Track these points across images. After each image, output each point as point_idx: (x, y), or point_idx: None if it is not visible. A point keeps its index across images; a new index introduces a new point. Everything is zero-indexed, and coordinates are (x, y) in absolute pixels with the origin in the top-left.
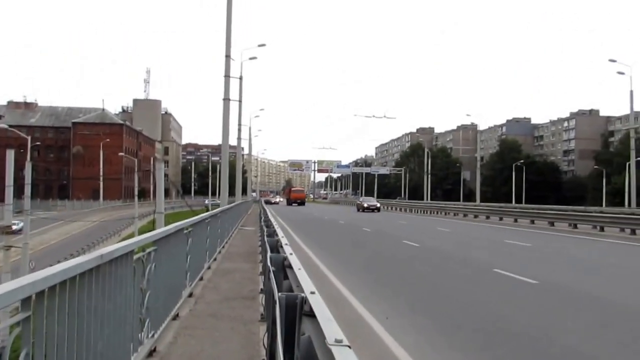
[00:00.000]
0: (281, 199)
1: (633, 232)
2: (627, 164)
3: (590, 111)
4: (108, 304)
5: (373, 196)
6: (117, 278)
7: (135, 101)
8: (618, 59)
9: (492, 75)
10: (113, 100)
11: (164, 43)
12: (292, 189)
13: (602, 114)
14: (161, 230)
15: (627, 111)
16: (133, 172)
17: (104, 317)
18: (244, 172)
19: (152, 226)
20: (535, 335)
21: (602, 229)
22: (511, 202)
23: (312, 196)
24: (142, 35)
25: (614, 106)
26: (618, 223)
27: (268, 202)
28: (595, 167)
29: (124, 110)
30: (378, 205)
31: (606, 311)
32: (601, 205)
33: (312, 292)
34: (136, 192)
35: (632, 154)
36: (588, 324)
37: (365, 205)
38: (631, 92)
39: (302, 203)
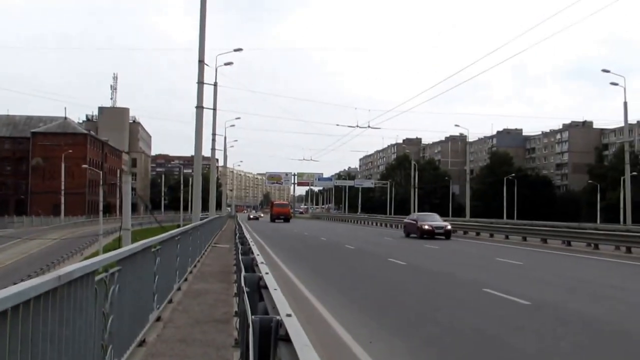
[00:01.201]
0: (262, 215)
1: (629, 250)
2: (622, 178)
3: (584, 123)
4: (66, 329)
5: (357, 210)
6: (77, 301)
7: (101, 109)
8: (612, 69)
9: (482, 85)
10: (76, 108)
11: (133, 47)
12: (275, 202)
13: (595, 125)
14: (126, 248)
15: (621, 123)
16: (98, 186)
17: (62, 344)
18: (219, 185)
19: (118, 244)
20: (526, 359)
21: (596, 247)
22: (502, 217)
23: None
24: (109, 39)
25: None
26: (613, 240)
27: (248, 218)
28: (589, 181)
29: (88, 119)
30: (448, 226)
31: (601, 333)
32: (596, 222)
33: (289, 315)
34: (101, 207)
35: (627, 168)
36: (582, 346)
37: (428, 227)
38: (625, 103)
39: (286, 219)
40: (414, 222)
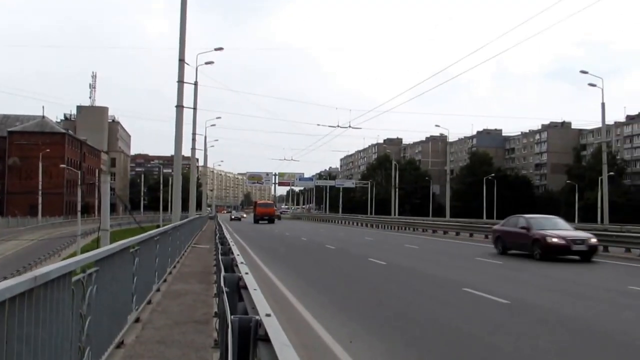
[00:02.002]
0: (244, 215)
1: (606, 249)
2: (600, 178)
3: (562, 123)
4: (42, 331)
5: (338, 211)
6: (54, 302)
7: (79, 108)
8: (590, 71)
9: (462, 85)
10: (54, 107)
11: (112, 45)
12: (259, 202)
13: (574, 126)
14: (104, 249)
15: (599, 124)
16: (76, 186)
17: (38, 346)
18: (199, 185)
19: (96, 245)
20: (504, 358)
21: None
22: (482, 217)
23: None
24: (88, 37)
25: (586, 119)
26: None
27: (230, 219)
28: (568, 181)
29: (66, 118)
30: (592, 239)
31: (578, 332)
32: (574, 221)
33: (268, 315)
34: (79, 208)
35: (604, 168)
36: (560, 345)
37: (557, 240)
38: (603, 104)
39: (271, 220)
40: (524, 230)
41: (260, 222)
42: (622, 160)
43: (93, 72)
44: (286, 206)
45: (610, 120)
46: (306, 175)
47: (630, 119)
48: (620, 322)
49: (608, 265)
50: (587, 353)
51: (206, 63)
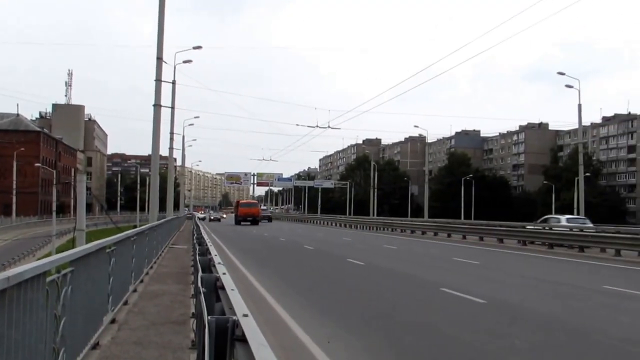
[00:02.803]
0: (224, 216)
1: (581, 249)
2: (576, 179)
3: (540, 124)
4: (16, 332)
5: (317, 211)
6: (27, 303)
7: (55, 106)
8: (567, 72)
9: (441, 86)
10: (29, 105)
11: (89, 42)
12: (241, 202)
13: (551, 127)
14: (80, 249)
15: (575, 125)
16: (51, 185)
17: (11, 347)
18: (177, 185)
19: (71, 245)
20: (481, 357)
21: (551, 247)
22: (460, 217)
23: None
24: (64, 34)
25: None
26: (567, 240)
27: (201, 218)
28: (545, 182)
29: (42, 116)
30: None
31: (554, 331)
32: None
33: (245, 315)
34: (54, 207)
35: (581, 169)
36: (536, 344)
37: None
38: (579, 105)
39: (254, 221)
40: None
41: (242, 223)
42: (598, 161)
43: (69, 70)
44: (265, 207)
45: (587, 121)
46: (285, 176)
47: (606, 120)
48: (595, 320)
49: (584, 265)
50: (561, 351)
51: (184, 62)
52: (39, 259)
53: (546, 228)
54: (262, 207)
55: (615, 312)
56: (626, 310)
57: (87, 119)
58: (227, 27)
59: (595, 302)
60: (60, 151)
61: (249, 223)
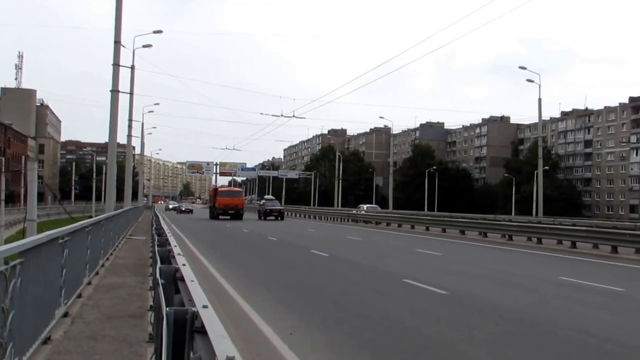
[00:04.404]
0: (189, 207)
1: (539, 241)
2: (535, 172)
3: (502, 118)
4: None
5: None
6: None
7: (4, 90)
8: (528, 67)
9: (406, 78)
10: None
11: (42, 23)
12: (221, 189)
13: (513, 121)
14: (30, 239)
15: (536, 119)
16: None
17: None
18: (135, 174)
19: (21, 236)
20: (442, 348)
21: (510, 238)
22: (423, 209)
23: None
24: (14, 13)
25: (525, 114)
26: (525, 232)
27: (172, 209)
28: (506, 174)
29: None
30: None
31: (513, 322)
32: (511, 214)
33: (205, 306)
34: (3, 197)
35: (540, 162)
36: (496, 335)
37: None
38: (539, 100)
39: (237, 215)
40: None
41: (221, 217)
42: (556, 155)
43: (19, 52)
44: (270, 197)
45: (546, 116)
46: (249, 166)
47: (565, 115)
48: (551, 310)
49: (542, 256)
50: (518, 341)
51: (143, 46)
52: None
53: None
54: (267, 197)
55: (570, 303)
56: (580, 301)
57: (39, 104)
58: (188, 12)
59: (551, 293)
60: (9, 137)
61: (229, 217)
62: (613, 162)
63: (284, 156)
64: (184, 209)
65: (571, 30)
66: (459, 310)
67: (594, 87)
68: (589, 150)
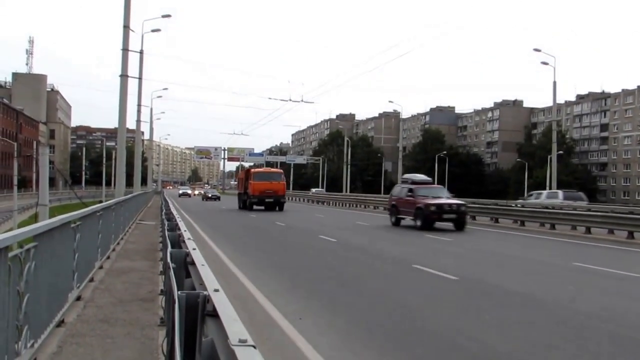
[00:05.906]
0: (216, 193)
1: (552, 226)
2: (549, 157)
3: (514, 102)
4: None
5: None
6: None
7: (16, 75)
8: (543, 49)
9: (416, 62)
10: None
11: (51, 8)
12: (255, 171)
13: (526, 104)
14: (43, 223)
15: (550, 103)
16: (11, 158)
17: None
18: (144, 159)
19: (34, 221)
20: (454, 334)
21: (522, 224)
22: None
23: (222, 189)
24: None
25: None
26: (538, 218)
27: (185, 194)
28: (518, 159)
29: (1, 86)
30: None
31: (526, 307)
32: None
33: (216, 290)
34: (15, 182)
35: (554, 147)
36: (506, 319)
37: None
38: (554, 83)
39: (276, 204)
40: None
41: (255, 207)
42: (571, 139)
43: (30, 37)
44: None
45: (561, 99)
46: (256, 151)
47: (581, 98)
48: (564, 297)
49: (555, 242)
50: (529, 326)
51: (152, 31)
52: None
53: (520, 205)
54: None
55: (585, 288)
56: (595, 287)
57: (49, 90)
58: None
59: (565, 279)
60: (21, 122)
61: (263, 207)
62: (630, 146)
63: (292, 141)
64: (210, 195)
65: (589, 14)
66: (470, 296)
67: (610, 70)
68: (605, 134)
